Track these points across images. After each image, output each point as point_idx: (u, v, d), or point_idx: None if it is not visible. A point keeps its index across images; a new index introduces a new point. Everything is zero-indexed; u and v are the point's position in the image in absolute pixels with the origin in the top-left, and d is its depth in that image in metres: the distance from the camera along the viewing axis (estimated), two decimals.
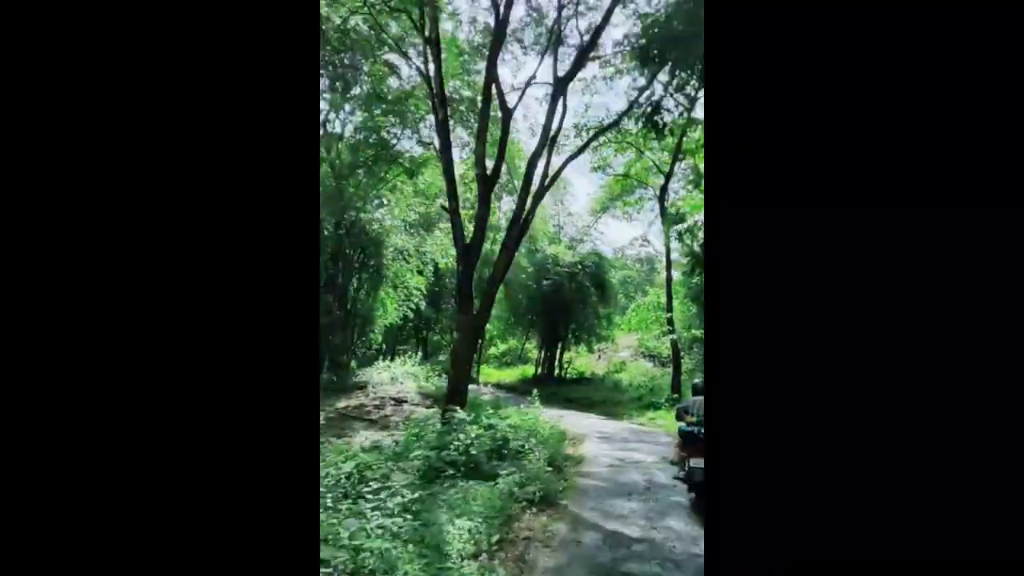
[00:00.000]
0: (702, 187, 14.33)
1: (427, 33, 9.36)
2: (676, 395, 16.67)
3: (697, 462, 4.99)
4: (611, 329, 24.72)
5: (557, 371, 23.79)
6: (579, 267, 22.37)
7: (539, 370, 23.93)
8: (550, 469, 7.08)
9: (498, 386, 24.26)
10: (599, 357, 26.52)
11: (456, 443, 6.54)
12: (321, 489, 3.89)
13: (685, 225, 11.59)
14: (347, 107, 14.68)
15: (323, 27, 9.57)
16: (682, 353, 18.35)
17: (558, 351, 24.14)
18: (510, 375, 25.62)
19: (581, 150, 12.72)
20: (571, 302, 21.79)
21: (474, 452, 6.50)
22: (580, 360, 26.88)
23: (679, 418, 6.11)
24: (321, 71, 9.29)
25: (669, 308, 17.96)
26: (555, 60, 10.39)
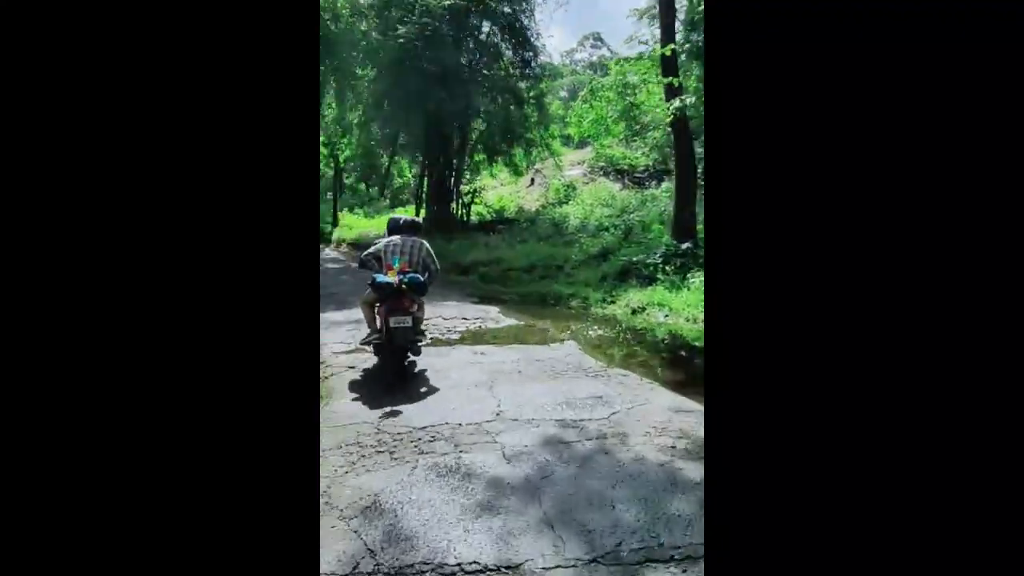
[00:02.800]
0: None
1: None
2: (688, 242, 6.86)
3: (398, 320, 3.89)
4: (546, 131, 13.97)
5: (457, 210, 13.49)
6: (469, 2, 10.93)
7: (424, 210, 13.54)
8: None
9: (356, 246, 14.07)
10: (532, 182, 16.18)
11: None
12: None
13: None
14: None
15: None
16: (696, 141, 8.10)
17: (453, 173, 13.54)
18: (381, 224, 15.25)
19: None
20: (460, 73, 10.75)
21: None
22: (502, 190, 16.58)
23: (366, 265, 4.39)
24: None
25: (667, 37, 7.35)
26: None
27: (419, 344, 4.20)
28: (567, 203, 13.11)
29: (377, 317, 4.17)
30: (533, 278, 8.71)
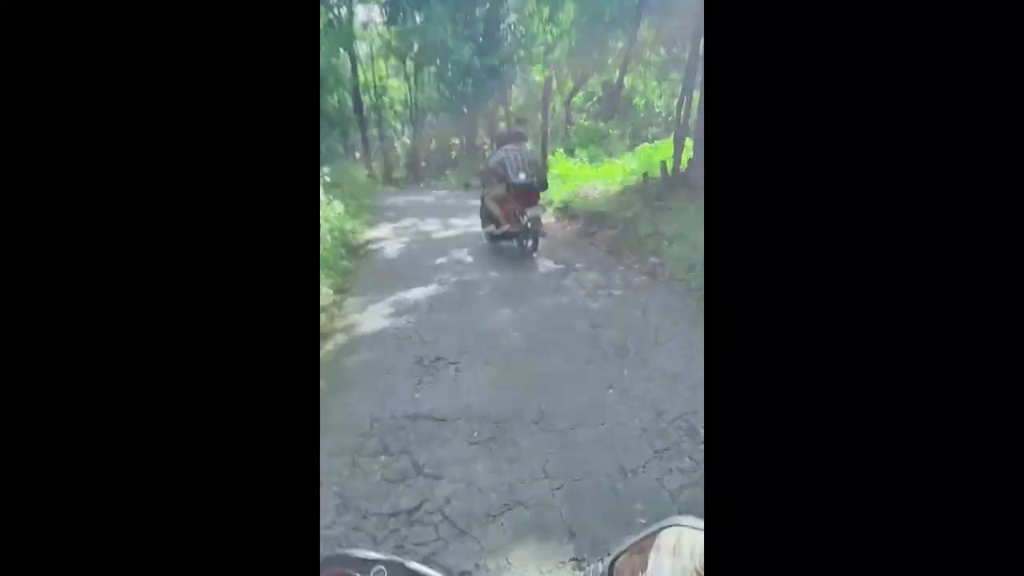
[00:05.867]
0: None
1: None
2: None
3: (534, 211, 5.39)
4: None
5: None
6: None
7: (691, 151, 7.18)
8: None
9: (574, 217, 8.43)
10: None
11: None
12: None
13: None
14: None
15: None
16: None
17: None
18: (613, 175, 9.16)
19: None
20: None
21: None
22: None
23: (495, 173, 5.75)
24: None
25: None
26: None
27: (543, 231, 5.66)
28: None
29: (505, 212, 5.64)
30: None
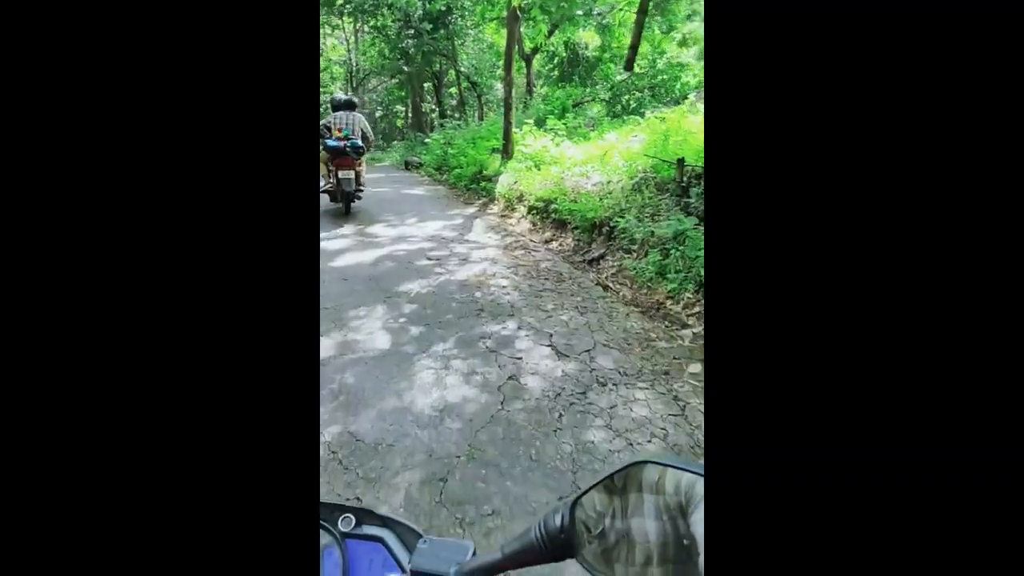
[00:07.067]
0: None
1: None
2: None
3: (345, 174, 6.08)
4: None
5: None
6: None
7: None
8: None
9: (540, 211, 5.69)
10: None
11: None
12: None
13: None
14: None
15: None
16: None
17: None
18: (593, 157, 6.50)
19: None
20: None
21: None
22: None
23: (319, 135, 6.19)
24: None
25: None
26: None
27: (360, 192, 6.46)
28: None
29: (327, 170, 6.25)
30: None
